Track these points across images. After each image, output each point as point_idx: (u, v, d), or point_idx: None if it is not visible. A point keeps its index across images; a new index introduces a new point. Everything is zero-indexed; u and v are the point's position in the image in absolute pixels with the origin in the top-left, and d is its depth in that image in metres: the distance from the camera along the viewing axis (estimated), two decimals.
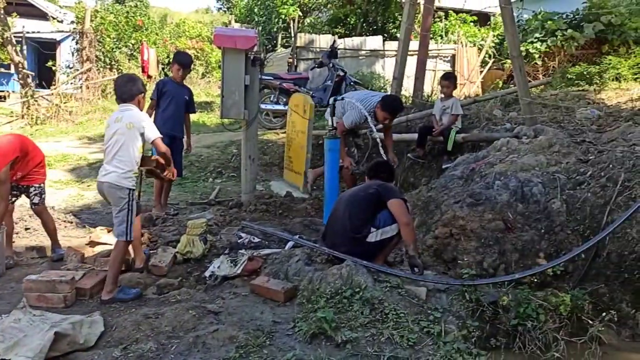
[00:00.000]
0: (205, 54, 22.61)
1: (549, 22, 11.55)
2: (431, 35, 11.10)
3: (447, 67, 14.40)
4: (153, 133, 4.00)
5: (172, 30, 24.95)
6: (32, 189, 4.69)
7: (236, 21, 20.91)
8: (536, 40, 11.52)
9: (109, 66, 17.69)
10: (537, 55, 11.47)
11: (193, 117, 14.80)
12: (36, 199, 4.72)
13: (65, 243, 5.05)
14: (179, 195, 7.18)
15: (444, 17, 15.35)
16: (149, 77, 19.40)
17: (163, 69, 21.61)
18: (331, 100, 5.93)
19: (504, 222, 4.18)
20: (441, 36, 15.08)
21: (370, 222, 3.84)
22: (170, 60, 21.88)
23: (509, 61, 12.14)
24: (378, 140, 5.61)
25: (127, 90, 4.04)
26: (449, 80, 6.62)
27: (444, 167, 6.08)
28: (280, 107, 10.03)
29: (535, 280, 3.81)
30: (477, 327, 3.23)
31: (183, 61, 6.08)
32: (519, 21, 11.65)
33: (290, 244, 4.43)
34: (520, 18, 12.44)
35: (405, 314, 3.18)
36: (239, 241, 4.58)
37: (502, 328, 3.36)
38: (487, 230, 4.16)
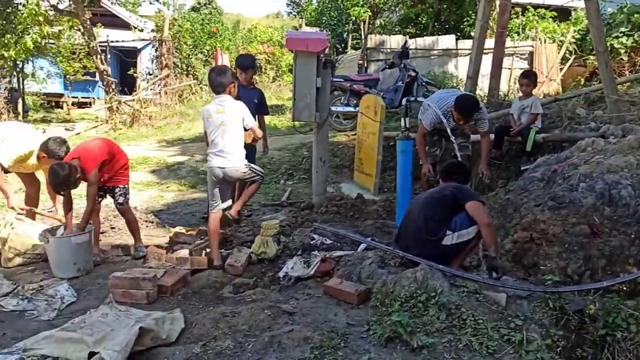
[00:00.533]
0: (276, 58, 22.99)
1: (635, 15, 10.91)
2: (507, 32, 10.72)
3: (525, 65, 13.88)
4: (250, 121, 4.64)
5: (245, 36, 25.57)
6: (117, 190, 4.92)
7: (306, 24, 21.11)
8: (622, 34, 10.90)
9: (185, 72, 18.34)
10: (622, 51, 10.85)
11: (267, 119, 15.08)
12: (121, 199, 4.94)
13: (147, 242, 5.27)
14: (252, 197, 7.32)
15: (521, 13, 14.82)
16: None
17: (235, 73, 22.16)
18: (404, 101, 5.84)
19: (589, 226, 3.96)
20: (518, 33, 14.55)
21: (445, 225, 3.74)
22: None
23: (591, 57, 11.58)
24: (455, 145, 5.29)
25: (220, 82, 4.58)
26: (529, 78, 6.37)
27: (522, 168, 5.86)
28: (351, 109, 10.02)
29: (625, 288, 3.59)
30: (561, 336, 3.07)
31: (241, 64, 6.12)
32: (603, 15, 11.07)
33: (362, 246, 4.40)
34: (605, 12, 11.82)
35: (484, 320, 3.07)
36: (311, 242, 4.60)
37: (588, 338, 3.18)
38: (571, 235, 3.96)
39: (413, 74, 10.11)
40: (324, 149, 6.07)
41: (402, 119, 5.47)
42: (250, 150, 5.72)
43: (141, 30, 19.51)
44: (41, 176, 5.54)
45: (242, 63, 6.16)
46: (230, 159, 4.55)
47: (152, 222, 6.09)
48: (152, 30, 18.49)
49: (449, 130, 5.26)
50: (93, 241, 4.82)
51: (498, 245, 4.00)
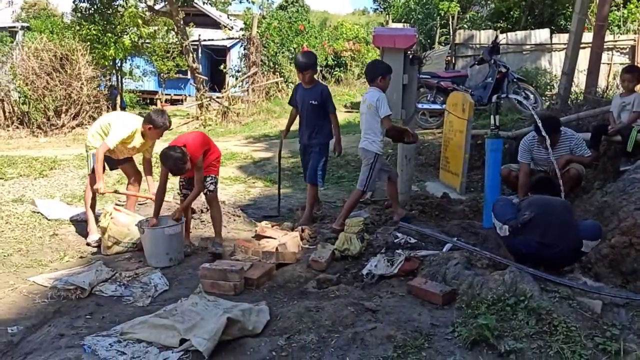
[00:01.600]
0: (362, 55, 22.98)
1: None
2: (607, 25, 10.11)
3: (625, 59, 13.05)
4: (383, 112, 5.06)
5: (331, 33, 25.72)
6: (208, 178, 5.09)
7: (394, 20, 20.94)
8: None
9: (272, 70, 18.74)
10: None
11: (349, 117, 15.15)
12: (211, 187, 5.11)
13: (234, 235, 5.45)
14: (336, 194, 7.37)
15: (622, 4, 13.93)
16: None
17: (321, 70, 22.38)
18: (493, 98, 5.66)
19: None
20: (619, 26, 13.70)
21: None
22: (328, 62, 22.74)
23: None
24: (554, 160, 5.02)
25: (369, 73, 5.31)
26: (632, 73, 5.97)
27: (621, 169, 5.51)
28: (437, 106, 9.85)
29: None
30: None
31: (297, 64, 5.83)
32: None
33: (448, 246, 4.32)
34: None
35: (576, 327, 2.93)
36: (395, 241, 4.57)
37: None
38: None
39: (503, 70, 9.77)
40: (410, 146, 6.00)
41: (492, 117, 5.30)
42: (311, 154, 5.80)
43: (230, 29, 20.16)
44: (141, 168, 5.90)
45: (297, 63, 5.81)
46: (364, 141, 5.23)
47: (239, 217, 6.27)
48: (241, 29, 19.06)
49: (549, 148, 5.04)
50: (184, 233, 5.04)
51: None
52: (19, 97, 13.77)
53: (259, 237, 5.14)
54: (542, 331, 2.92)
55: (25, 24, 17.57)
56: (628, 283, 3.75)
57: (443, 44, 16.90)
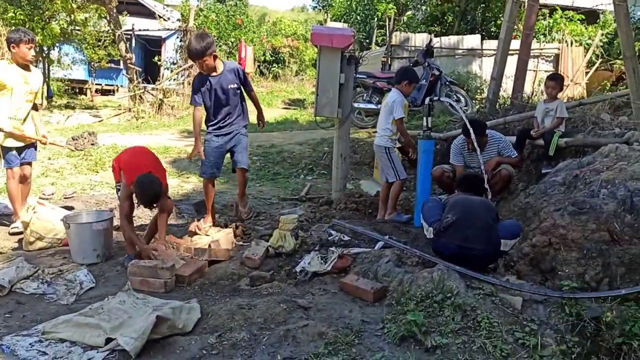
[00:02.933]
0: (300, 52, 23.03)
1: None
2: (534, 34, 10.60)
3: (550, 67, 13.75)
4: (396, 114, 5.38)
5: (269, 29, 25.61)
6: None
7: (333, 19, 21.08)
8: None
9: None
10: None
11: (286, 114, 15.17)
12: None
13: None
14: (272, 190, 7.36)
15: (548, 14, 14.65)
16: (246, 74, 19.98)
17: (259, 66, 22.24)
18: (426, 100, 5.83)
19: (609, 233, 3.91)
20: (544, 34, 14.40)
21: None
22: (266, 58, 22.62)
23: (618, 62, 11.41)
24: (480, 159, 5.26)
25: (397, 75, 5.72)
26: (556, 80, 6.29)
27: (543, 171, 5.80)
28: (373, 105, 10.02)
29: None
30: (577, 342, 3.05)
31: (191, 52, 4.90)
32: (632, 19, 10.88)
33: (380, 244, 4.41)
34: (634, 15, 11.62)
35: (498, 323, 3.07)
36: (329, 238, 4.62)
37: (604, 346, 3.15)
38: (590, 241, 3.91)
39: (437, 72, 10.05)
40: (345, 145, 6.09)
41: (425, 119, 5.46)
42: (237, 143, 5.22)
43: (166, 20, 19.66)
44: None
45: (193, 51, 4.82)
46: (377, 138, 5.64)
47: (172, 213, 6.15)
48: (178, 20, 18.63)
49: (477, 149, 5.25)
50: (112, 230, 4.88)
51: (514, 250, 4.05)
52: None
53: (192, 233, 5.06)
54: (467, 327, 3.04)
55: None
56: (547, 280, 3.96)
57: (380, 45, 17.18)
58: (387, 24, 16.30)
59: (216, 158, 5.14)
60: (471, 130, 5.21)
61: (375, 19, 18.55)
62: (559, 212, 4.23)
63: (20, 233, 5.05)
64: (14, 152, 5.31)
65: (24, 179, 5.50)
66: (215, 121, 5.08)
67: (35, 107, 5.51)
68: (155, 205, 4.41)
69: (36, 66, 16.73)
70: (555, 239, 4.05)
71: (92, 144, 4.56)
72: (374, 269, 3.87)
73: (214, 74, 4.92)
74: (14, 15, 14.07)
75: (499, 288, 3.48)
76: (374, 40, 18.49)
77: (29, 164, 5.57)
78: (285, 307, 3.35)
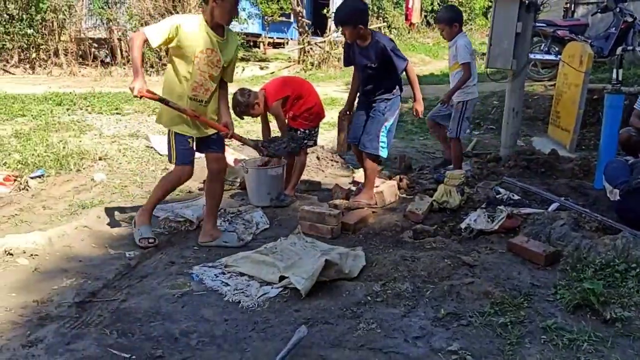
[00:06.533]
0: (470, 1, 21.84)
1: None
2: None
3: None
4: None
5: None
6: (298, 132, 5.05)
7: None
8: None
9: (376, 14, 18.33)
10: None
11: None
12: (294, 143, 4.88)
13: (332, 181, 5.53)
14: (435, 144, 7.22)
15: None
16: (412, 24, 19.57)
17: (425, 16, 21.59)
18: (618, 50, 5.21)
19: None
20: None
21: None
22: (434, 7, 21.83)
23: None
24: None
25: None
26: None
27: None
28: (552, 57, 9.23)
29: None
30: None
31: (335, 19, 4.76)
32: None
33: (554, 205, 4.12)
34: None
35: None
36: (497, 196, 4.43)
37: None
38: None
39: (630, 19, 8.92)
40: (517, 99, 5.72)
41: (614, 71, 4.89)
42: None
43: None
44: None
45: (335, 17, 4.69)
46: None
47: (337, 162, 6.34)
48: None
49: None
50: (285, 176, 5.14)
51: None
52: None
53: (355, 183, 5.19)
54: None
55: None
56: None
57: None
58: None
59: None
60: None
61: None
62: None
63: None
64: (190, 141, 3.87)
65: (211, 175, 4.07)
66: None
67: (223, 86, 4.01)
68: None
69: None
70: None
71: (289, 151, 4.50)
72: (547, 231, 3.65)
73: (360, 43, 4.56)
74: None
75: None
76: None
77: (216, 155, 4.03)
78: (449, 263, 3.32)
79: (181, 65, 3.70)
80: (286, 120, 4.99)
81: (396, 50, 4.53)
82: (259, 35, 22.88)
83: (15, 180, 5.15)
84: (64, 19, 14.13)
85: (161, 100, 3.67)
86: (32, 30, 13.85)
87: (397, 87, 4.70)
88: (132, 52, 3.59)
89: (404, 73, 4.63)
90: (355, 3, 4.52)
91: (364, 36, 4.50)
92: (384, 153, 4.75)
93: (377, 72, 4.56)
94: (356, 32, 4.40)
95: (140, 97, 3.53)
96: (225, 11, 3.63)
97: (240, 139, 4.23)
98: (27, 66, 14.29)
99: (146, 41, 3.55)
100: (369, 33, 4.53)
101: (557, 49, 9.13)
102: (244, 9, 19.86)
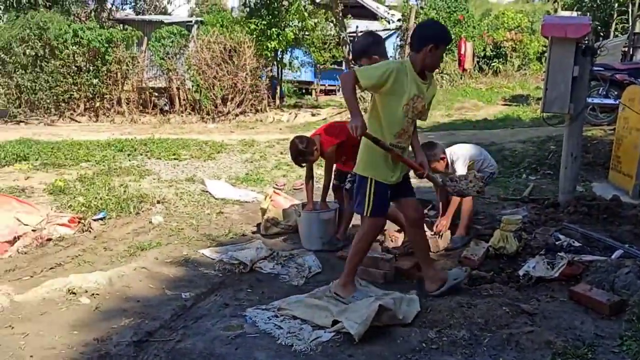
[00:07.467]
0: (524, 45, 21.73)
1: None
2: None
3: None
4: None
5: (491, 22, 24.63)
6: (348, 176, 4.95)
7: (564, 8, 19.50)
8: None
9: None
10: None
11: (507, 110, 14.47)
12: (347, 185, 4.97)
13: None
14: (491, 189, 7.08)
15: None
16: (464, 70, 19.60)
17: (478, 61, 21.59)
18: None
19: None
20: None
21: None
22: (487, 53, 21.85)
23: None
24: None
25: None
26: None
27: None
28: (610, 101, 9.03)
29: None
30: None
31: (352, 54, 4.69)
32: None
33: (617, 252, 3.96)
34: None
35: None
36: (556, 243, 4.30)
37: None
38: None
39: None
40: (576, 143, 5.59)
41: None
42: None
43: (388, 22, 20.16)
44: None
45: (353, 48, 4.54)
46: None
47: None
48: (399, 20, 18.98)
49: None
50: (337, 221, 5.13)
51: None
52: (192, 86, 15.09)
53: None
54: None
55: (199, 19, 19.11)
56: None
57: (620, 33, 15.38)
58: (629, 9, 14.50)
59: None
60: None
61: (616, 4, 16.63)
62: None
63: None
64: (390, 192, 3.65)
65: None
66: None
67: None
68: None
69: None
70: None
71: (477, 192, 4.11)
72: (611, 279, 3.50)
73: None
74: (255, 25, 15.74)
75: None
76: (612, 28, 16.62)
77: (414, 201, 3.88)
78: (507, 310, 3.22)
79: (386, 111, 3.53)
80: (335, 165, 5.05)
81: None
82: (310, 83, 23.44)
83: (79, 222, 5.38)
84: (127, 70, 14.90)
85: (375, 140, 3.46)
86: (97, 80, 14.66)
87: None
88: (344, 92, 3.47)
89: None
90: (368, 36, 4.41)
91: None
92: None
93: None
94: (372, 63, 4.06)
95: (361, 136, 3.38)
96: (437, 59, 3.53)
97: (431, 178, 4.09)
98: (92, 114, 15.07)
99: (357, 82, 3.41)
100: None
101: (615, 92, 8.94)
102: (297, 58, 20.49)
